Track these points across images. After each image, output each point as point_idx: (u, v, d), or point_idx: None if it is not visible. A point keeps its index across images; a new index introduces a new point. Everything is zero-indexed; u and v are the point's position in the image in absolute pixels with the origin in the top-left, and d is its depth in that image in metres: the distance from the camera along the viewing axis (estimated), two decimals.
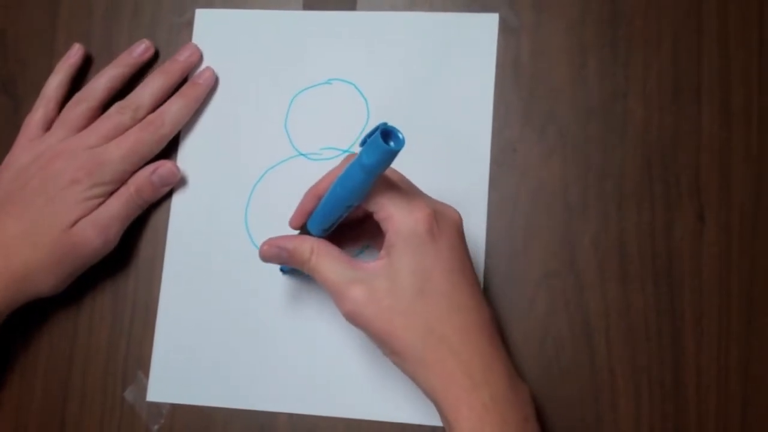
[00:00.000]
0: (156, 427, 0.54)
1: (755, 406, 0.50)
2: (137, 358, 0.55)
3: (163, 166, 0.55)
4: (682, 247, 0.52)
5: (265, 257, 0.50)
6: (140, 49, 0.59)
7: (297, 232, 0.51)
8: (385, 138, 0.42)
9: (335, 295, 0.47)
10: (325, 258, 0.47)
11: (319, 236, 0.49)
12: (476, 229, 0.54)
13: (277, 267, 0.55)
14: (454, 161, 0.55)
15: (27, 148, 0.56)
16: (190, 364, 0.55)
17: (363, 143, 0.44)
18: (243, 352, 0.54)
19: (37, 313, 0.56)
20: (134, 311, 0.56)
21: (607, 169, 0.54)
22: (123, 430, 0.54)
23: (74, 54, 0.59)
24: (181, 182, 0.57)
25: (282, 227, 0.55)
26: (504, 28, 0.56)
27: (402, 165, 0.55)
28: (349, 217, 0.48)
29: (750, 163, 0.53)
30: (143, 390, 0.55)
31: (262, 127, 0.57)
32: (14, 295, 0.53)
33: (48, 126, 0.57)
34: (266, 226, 0.56)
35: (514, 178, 0.54)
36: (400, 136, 0.43)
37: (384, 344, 0.46)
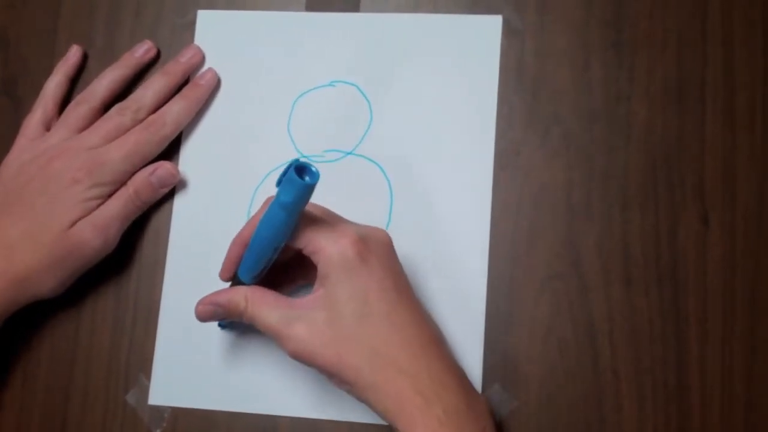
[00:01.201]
0: (158, 430, 0.54)
1: (759, 409, 0.50)
2: (139, 361, 0.55)
3: (162, 167, 0.55)
4: (686, 250, 0.52)
5: (201, 317, 0.50)
6: (142, 50, 0.59)
7: (228, 284, 0.51)
8: (300, 173, 0.43)
9: (277, 339, 0.47)
10: (261, 304, 0.47)
11: (252, 283, 0.49)
12: (480, 232, 0.54)
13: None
14: (457, 163, 0.55)
15: (27, 148, 0.56)
16: (192, 368, 0.54)
17: (279, 183, 0.44)
18: (245, 355, 0.54)
19: (39, 315, 0.56)
20: (136, 314, 0.56)
21: (611, 171, 0.54)
22: None
23: (73, 55, 0.59)
24: (183, 184, 0.57)
25: None
26: (507, 30, 0.56)
27: (404, 167, 0.55)
28: (279, 260, 0.48)
29: (754, 165, 0.53)
30: (145, 393, 0.54)
31: (264, 128, 0.57)
32: (15, 296, 0.52)
33: (47, 126, 0.57)
34: None
35: (517, 180, 0.54)
36: (314, 169, 0.44)
37: (333, 375, 0.46)
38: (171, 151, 0.57)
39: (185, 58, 0.58)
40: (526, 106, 0.55)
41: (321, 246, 0.46)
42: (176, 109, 0.56)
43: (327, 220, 0.47)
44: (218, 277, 0.51)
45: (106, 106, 0.57)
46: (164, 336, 0.55)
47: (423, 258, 0.54)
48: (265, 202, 0.49)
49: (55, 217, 0.52)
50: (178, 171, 0.56)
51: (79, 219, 0.53)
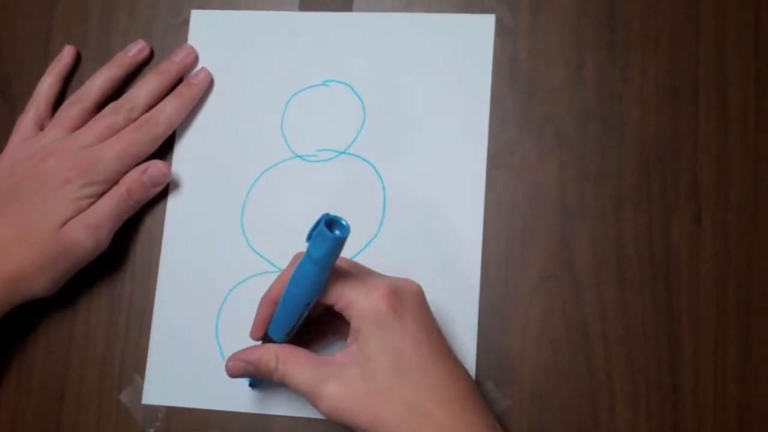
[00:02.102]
0: (152, 429, 0.54)
1: (753, 408, 0.50)
2: (133, 361, 0.55)
3: (154, 166, 0.55)
4: (679, 249, 0.52)
5: (232, 373, 0.49)
6: (135, 50, 0.59)
7: (259, 342, 0.51)
8: (330, 227, 0.43)
9: (310, 397, 0.46)
10: (292, 362, 0.47)
11: (283, 341, 0.49)
12: (473, 232, 0.54)
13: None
14: (450, 163, 0.55)
15: (20, 147, 0.56)
16: (186, 367, 0.54)
17: (309, 237, 0.44)
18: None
19: (33, 315, 0.56)
20: (130, 313, 0.56)
21: (604, 170, 0.54)
22: None
23: (66, 55, 0.59)
24: (176, 184, 0.57)
25: (278, 229, 0.55)
26: (501, 30, 0.56)
27: (398, 167, 0.55)
28: (308, 316, 0.48)
29: (747, 164, 0.53)
30: (139, 393, 0.54)
31: (258, 128, 0.57)
32: (8, 296, 0.52)
33: (40, 126, 0.57)
34: (262, 227, 0.56)
35: (511, 180, 0.54)
36: (344, 223, 0.43)
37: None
38: (164, 150, 0.57)
39: (179, 58, 0.58)
40: (520, 106, 0.55)
41: (352, 300, 0.45)
42: (169, 108, 0.56)
43: (357, 274, 0.47)
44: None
45: (100, 106, 0.57)
46: (158, 335, 0.55)
47: (416, 257, 0.54)
48: (294, 259, 0.49)
49: (48, 216, 0.52)
50: (170, 170, 0.56)
51: (72, 218, 0.53)
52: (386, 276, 0.48)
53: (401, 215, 0.55)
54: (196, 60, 0.59)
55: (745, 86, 0.54)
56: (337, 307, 0.46)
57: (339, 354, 0.46)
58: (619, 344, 0.52)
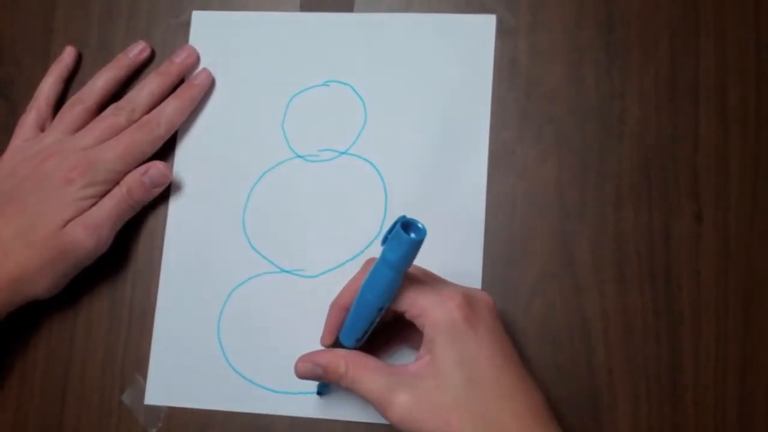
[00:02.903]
0: (153, 430, 0.54)
1: (753, 407, 0.50)
2: (135, 362, 0.55)
3: (155, 167, 0.55)
4: (679, 248, 0.52)
5: (300, 374, 0.49)
6: (136, 50, 0.59)
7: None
8: (406, 230, 0.42)
9: (379, 406, 0.45)
10: (362, 369, 0.46)
11: (353, 348, 0.48)
12: (474, 231, 0.54)
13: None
14: (451, 163, 0.55)
15: (21, 148, 0.56)
16: (188, 367, 0.54)
17: (384, 241, 0.44)
18: (241, 354, 0.54)
19: (35, 316, 0.56)
20: (132, 314, 0.56)
21: (604, 170, 0.54)
22: None
23: (67, 56, 0.59)
24: (178, 184, 0.57)
25: (279, 229, 0.55)
26: (501, 30, 0.56)
27: (399, 167, 0.55)
28: (377, 326, 0.48)
29: (747, 163, 0.53)
30: (141, 393, 0.54)
31: (259, 129, 0.57)
32: (10, 296, 0.52)
33: (41, 127, 0.57)
34: (264, 228, 0.56)
35: (511, 179, 0.54)
36: (420, 225, 0.43)
37: None
38: (166, 151, 0.57)
39: (180, 59, 0.58)
40: (520, 106, 0.55)
41: (426, 309, 0.45)
42: (170, 109, 0.56)
43: (429, 282, 0.46)
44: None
45: (101, 107, 0.57)
46: (160, 336, 0.55)
47: (417, 257, 0.54)
48: (365, 265, 0.49)
49: (48, 217, 0.52)
50: (170, 171, 0.56)
51: (72, 219, 0.53)
52: (457, 285, 0.47)
53: (402, 214, 0.55)
54: (197, 61, 0.59)
55: (745, 85, 0.54)
56: (408, 315, 0.46)
57: (412, 364, 0.45)
58: (620, 343, 0.52)
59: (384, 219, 0.55)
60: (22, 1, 0.61)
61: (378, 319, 0.47)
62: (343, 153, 0.56)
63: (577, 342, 0.52)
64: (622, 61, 0.55)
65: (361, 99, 0.57)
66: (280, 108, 0.57)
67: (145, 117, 0.56)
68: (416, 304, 0.45)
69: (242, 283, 0.55)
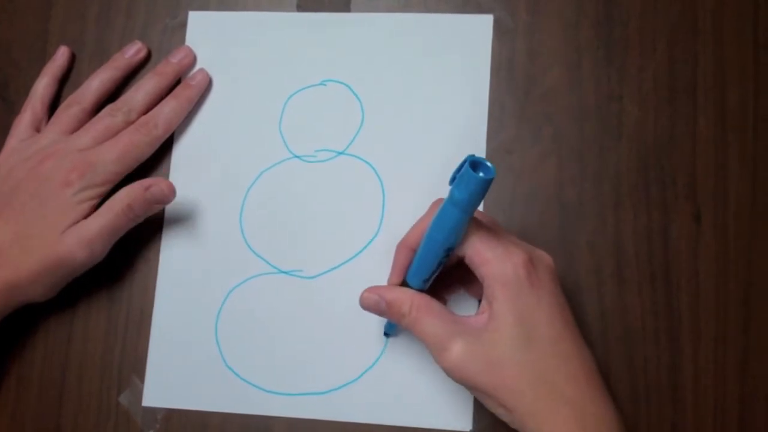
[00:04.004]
0: (151, 431, 0.54)
1: (753, 408, 0.50)
2: (132, 363, 0.55)
3: (157, 185, 0.53)
4: (678, 249, 0.52)
5: (364, 305, 0.49)
6: (132, 51, 0.59)
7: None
8: (474, 169, 0.42)
9: (435, 350, 0.45)
10: (426, 312, 0.46)
11: (421, 289, 0.48)
12: None
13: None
14: (448, 163, 0.55)
15: (17, 149, 0.56)
16: (186, 369, 0.54)
17: (452, 180, 0.44)
18: (238, 355, 0.54)
19: (32, 318, 0.56)
20: (129, 315, 0.56)
21: (602, 170, 0.54)
22: None
23: (61, 56, 0.59)
24: (175, 185, 0.56)
25: (277, 229, 0.55)
26: (499, 30, 0.56)
27: (397, 167, 0.55)
28: (442, 269, 0.47)
29: (746, 163, 0.53)
30: (138, 395, 0.54)
31: (256, 129, 0.57)
32: (6, 301, 0.52)
33: (37, 127, 0.57)
34: (261, 228, 0.56)
35: (509, 180, 0.54)
36: (489, 165, 0.42)
37: (491, 397, 0.44)
38: (163, 151, 0.57)
39: (176, 59, 0.58)
40: (518, 106, 0.55)
41: (489, 259, 0.45)
42: (167, 110, 0.56)
43: (496, 233, 0.46)
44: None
45: (97, 108, 0.57)
46: (157, 337, 0.55)
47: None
48: (432, 206, 0.49)
49: (46, 222, 0.52)
50: (173, 190, 0.53)
51: (73, 223, 0.52)
52: (522, 242, 0.47)
53: (400, 215, 0.55)
54: (194, 61, 0.59)
55: (744, 85, 0.54)
56: (469, 262, 0.46)
57: (473, 317, 0.46)
58: (619, 344, 0.52)
59: (381, 219, 0.55)
60: (19, 1, 0.61)
61: (445, 261, 0.46)
62: (340, 153, 0.56)
63: None
64: (621, 61, 0.55)
65: (359, 99, 0.57)
66: (277, 108, 0.57)
67: (143, 118, 0.56)
68: (480, 254, 0.45)
69: (240, 284, 0.55)
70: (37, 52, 0.60)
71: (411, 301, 0.47)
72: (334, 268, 0.55)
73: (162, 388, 0.54)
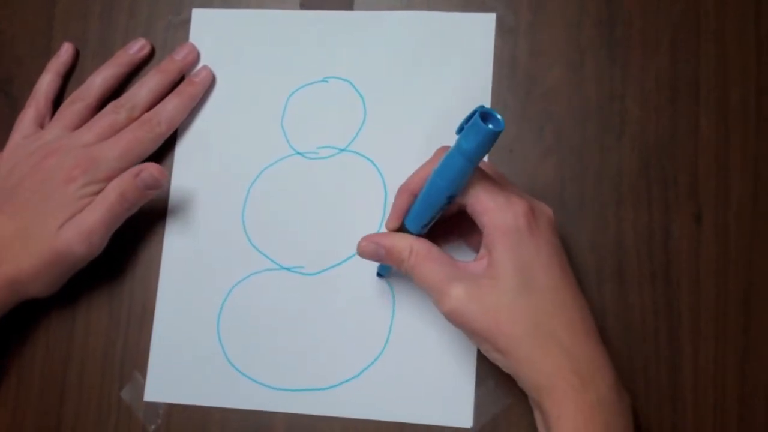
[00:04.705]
0: (153, 426, 0.54)
1: (752, 407, 0.50)
2: (134, 358, 0.55)
3: (146, 169, 0.52)
4: (679, 248, 0.52)
5: (363, 253, 0.49)
6: (136, 48, 0.59)
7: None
8: (484, 120, 0.42)
9: (435, 294, 0.46)
10: (425, 257, 0.46)
11: (419, 234, 0.48)
12: None
13: (271, 266, 0.55)
14: None
15: (21, 145, 0.56)
16: (188, 364, 0.55)
17: (460, 130, 0.44)
18: (240, 351, 0.54)
19: (33, 312, 0.56)
20: (131, 310, 0.56)
21: (604, 169, 0.54)
22: (120, 429, 0.54)
23: (65, 52, 0.59)
24: (177, 181, 0.57)
25: (279, 226, 0.55)
26: (501, 28, 0.56)
27: (398, 164, 0.55)
28: (441, 216, 0.48)
29: (747, 163, 0.53)
30: (140, 390, 0.55)
31: (258, 125, 0.57)
32: (8, 296, 0.52)
33: (40, 123, 0.57)
34: (263, 225, 0.56)
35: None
36: (499, 117, 0.42)
37: (487, 342, 0.45)
38: (166, 148, 0.57)
39: (180, 56, 0.58)
40: (520, 104, 0.55)
41: (490, 208, 0.45)
42: (171, 107, 0.56)
43: (498, 183, 0.46)
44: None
45: (101, 104, 0.57)
46: (159, 332, 0.55)
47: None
48: (437, 153, 0.49)
49: (47, 218, 0.52)
50: (163, 173, 0.53)
51: (71, 217, 0.52)
52: (524, 193, 0.47)
53: None
54: (197, 58, 0.59)
55: (746, 85, 0.54)
56: (471, 210, 0.46)
57: (472, 263, 0.46)
58: (619, 343, 0.52)
59: (383, 216, 0.55)
60: None
61: (446, 208, 0.46)
62: (342, 150, 0.56)
63: None
64: (623, 61, 0.55)
65: (361, 96, 0.57)
66: (279, 105, 0.57)
67: (146, 115, 0.56)
68: (482, 202, 0.45)
69: (242, 281, 0.55)
70: (40, 49, 0.60)
71: (410, 246, 0.47)
72: (336, 264, 0.55)
73: (164, 383, 0.54)
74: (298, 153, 0.57)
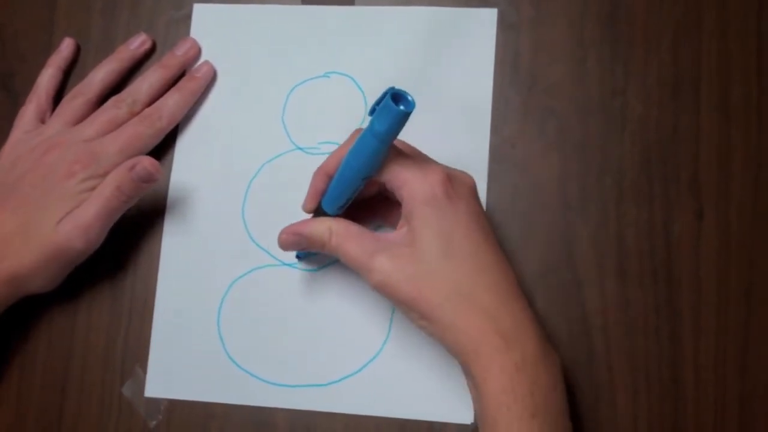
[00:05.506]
0: (154, 422, 0.54)
1: (753, 403, 0.50)
2: (135, 354, 0.55)
3: (140, 163, 0.52)
4: (680, 244, 0.52)
5: (284, 245, 0.50)
6: (137, 42, 0.59)
7: (310, 216, 0.51)
8: (395, 101, 0.42)
9: (361, 269, 0.46)
10: (345, 236, 0.47)
11: (335, 215, 0.49)
12: None
13: (271, 262, 0.55)
14: (452, 157, 0.55)
15: (22, 140, 0.56)
16: (188, 360, 0.55)
17: (372, 111, 0.44)
18: (241, 346, 0.54)
19: (35, 308, 0.56)
20: (132, 306, 0.56)
21: (606, 165, 0.54)
22: (121, 425, 0.54)
23: (66, 48, 0.59)
24: (178, 176, 0.57)
25: (279, 221, 0.55)
26: (503, 24, 0.56)
27: None
28: (358, 197, 0.48)
29: (749, 159, 0.53)
30: (141, 385, 0.55)
31: (259, 121, 0.57)
32: (9, 291, 0.52)
33: (42, 118, 0.57)
34: (263, 220, 0.56)
35: (512, 174, 0.54)
36: (410, 98, 0.43)
37: (412, 310, 0.45)
38: (166, 143, 0.57)
39: (181, 51, 0.58)
40: (522, 100, 0.55)
41: (407, 180, 0.45)
42: (172, 102, 0.56)
43: (414, 156, 0.47)
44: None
45: (102, 99, 0.58)
46: (160, 328, 0.55)
47: None
48: (353, 134, 0.49)
49: (48, 214, 0.52)
50: (157, 167, 0.53)
51: (69, 212, 0.52)
52: (441, 164, 0.48)
53: None
54: (198, 53, 0.59)
55: (748, 81, 0.53)
56: (389, 185, 0.46)
57: (392, 233, 0.47)
58: (620, 339, 0.52)
59: None
60: None
61: (361, 188, 0.47)
62: None
63: (577, 338, 0.52)
64: (625, 56, 0.55)
65: (362, 91, 0.57)
66: (280, 100, 0.57)
67: (147, 110, 0.56)
68: (399, 176, 0.46)
69: (242, 276, 0.55)
70: (42, 44, 0.60)
71: (329, 228, 0.47)
72: (337, 260, 0.55)
73: (164, 378, 0.55)
74: (299, 148, 0.57)
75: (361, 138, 0.45)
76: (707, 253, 0.52)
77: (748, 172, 0.52)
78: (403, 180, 0.46)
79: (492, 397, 0.43)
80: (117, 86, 0.58)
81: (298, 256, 0.54)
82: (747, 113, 0.53)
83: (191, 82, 0.57)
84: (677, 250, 0.52)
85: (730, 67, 0.54)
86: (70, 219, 0.52)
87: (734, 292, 0.51)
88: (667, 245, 0.52)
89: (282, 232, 0.50)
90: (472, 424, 0.51)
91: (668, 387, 0.51)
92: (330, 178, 0.48)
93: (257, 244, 0.55)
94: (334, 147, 0.56)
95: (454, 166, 0.54)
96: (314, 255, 0.54)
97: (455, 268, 0.45)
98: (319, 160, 0.55)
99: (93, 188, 0.53)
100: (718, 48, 0.54)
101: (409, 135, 0.55)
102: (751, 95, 0.53)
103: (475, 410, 0.46)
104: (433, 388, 0.52)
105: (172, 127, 0.57)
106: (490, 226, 0.47)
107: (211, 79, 0.58)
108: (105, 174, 0.53)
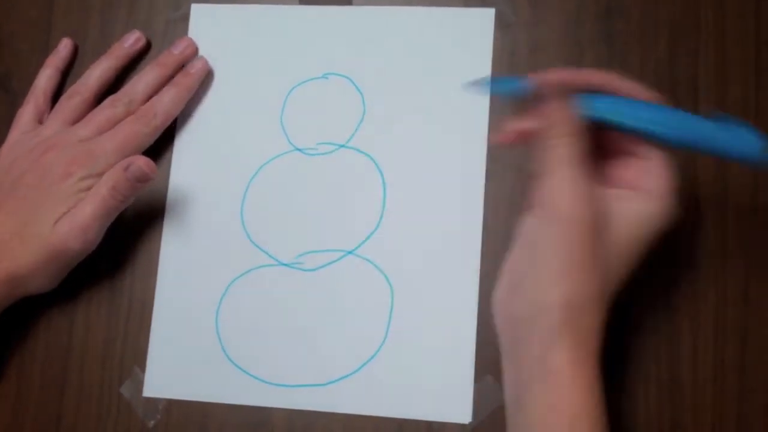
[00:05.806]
0: (152, 422, 0.54)
1: (752, 402, 0.50)
2: (134, 354, 0.55)
3: (135, 163, 0.52)
4: (678, 243, 0.52)
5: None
6: (131, 40, 0.59)
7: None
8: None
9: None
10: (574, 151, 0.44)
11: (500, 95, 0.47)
12: (472, 225, 0.54)
13: (268, 264, 0.55)
14: (450, 157, 0.55)
15: (20, 141, 0.56)
16: (187, 360, 0.55)
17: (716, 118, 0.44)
18: (240, 346, 0.54)
19: (33, 308, 0.56)
20: (131, 306, 0.56)
21: None
22: (119, 425, 0.54)
23: (63, 48, 0.59)
24: (176, 177, 0.57)
25: (278, 222, 0.55)
26: (500, 23, 0.56)
27: (397, 160, 0.55)
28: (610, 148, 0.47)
29: None
30: (140, 385, 0.55)
31: (257, 122, 0.57)
32: (7, 292, 0.52)
33: (39, 119, 0.57)
34: (262, 220, 0.56)
35: (510, 173, 0.54)
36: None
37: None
38: (164, 143, 0.57)
39: (178, 50, 0.58)
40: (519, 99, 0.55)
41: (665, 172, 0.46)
42: (167, 98, 0.56)
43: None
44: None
45: (99, 98, 0.57)
46: (159, 328, 0.55)
47: (415, 251, 0.54)
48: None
49: (46, 215, 0.52)
50: (151, 166, 0.52)
51: (66, 212, 0.52)
52: None
53: (401, 209, 0.55)
54: (195, 52, 0.59)
55: (745, 80, 0.53)
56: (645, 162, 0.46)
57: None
58: (617, 337, 0.51)
59: (382, 212, 0.55)
60: None
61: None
62: (341, 146, 0.56)
63: None
64: (622, 56, 0.55)
65: (360, 92, 0.57)
66: (278, 101, 0.57)
67: (142, 108, 0.56)
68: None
69: (240, 276, 0.55)
70: (39, 44, 0.60)
71: (572, 127, 0.45)
72: (335, 261, 0.55)
73: (163, 378, 0.55)
74: (298, 149, 0.57)
75: (696, 120, 0.44)
76: (705, 252, 0.52)
77: (745, 171, 0.52)
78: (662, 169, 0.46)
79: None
80: (113, 85, 0.58)
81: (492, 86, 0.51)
82: (744, 112, 0.53)
83: (186, 78, 0.57)
84: (675, 248, 0.52)
85: (727, 66, 0.54)
86: (67, 219, 0.52)
87: (732, 290, 0.51)
88: (665, 244, 0.52)
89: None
90: (470, 423, 0.51)
91: (666, 386, 0.51)
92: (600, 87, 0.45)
93: (256, 245, 0.55)
94: (333, 148, 0.56)
95: (451, 166, 0.55)
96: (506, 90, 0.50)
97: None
98: (317, 161, 0.55)
99: (90, 188, 0.53)
100: (715, 46, 0.54)
101: (407, 135, 0.56)
102: (749, 94, 0.53)
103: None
104: (431, 388, 0.52)
105: (167, 124, 0.57)
106: None
107: (207, 75, 0.58)
108: (102, 173, 0.53)
